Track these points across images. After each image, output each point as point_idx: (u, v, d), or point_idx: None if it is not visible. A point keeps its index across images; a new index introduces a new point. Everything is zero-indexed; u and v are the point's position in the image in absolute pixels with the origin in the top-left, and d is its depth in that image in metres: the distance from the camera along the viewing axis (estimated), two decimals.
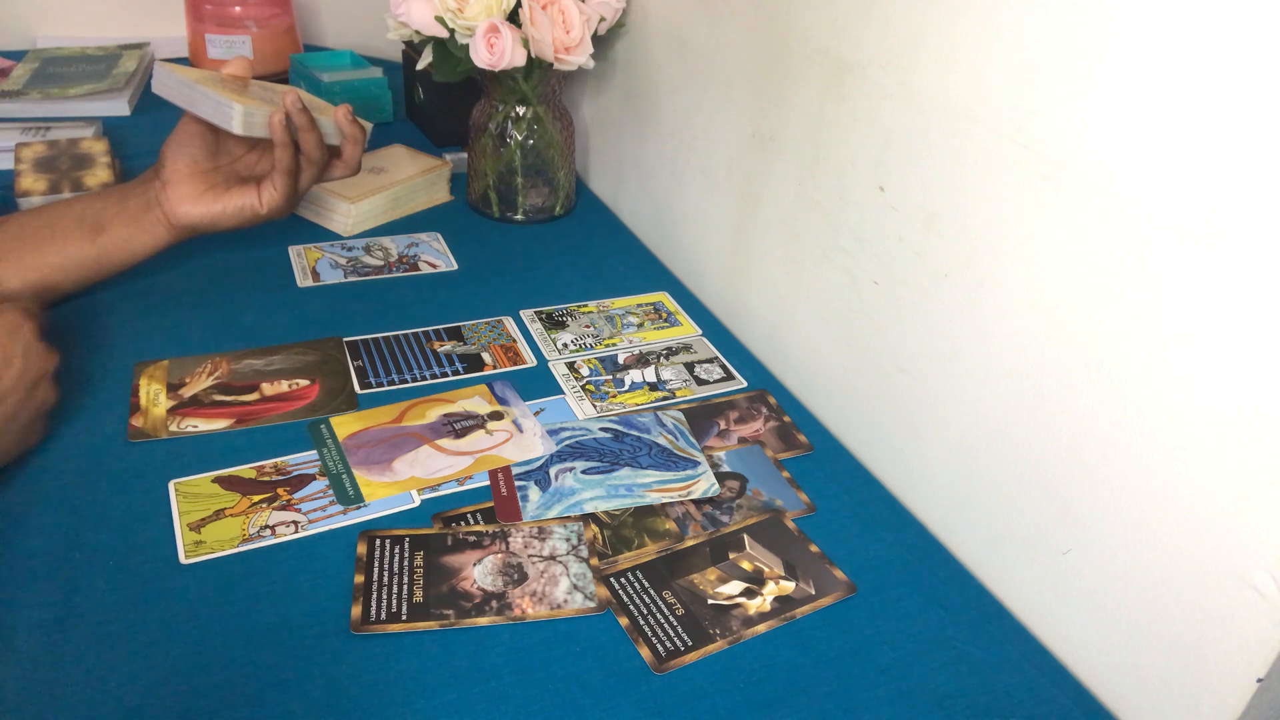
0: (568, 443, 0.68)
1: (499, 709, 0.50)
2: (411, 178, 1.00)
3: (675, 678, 0.52)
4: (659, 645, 0.54)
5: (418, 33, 0.88)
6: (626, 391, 0.75)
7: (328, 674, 0.51)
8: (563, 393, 0.74)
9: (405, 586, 0.56)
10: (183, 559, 0.57)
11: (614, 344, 0.81)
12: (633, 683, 0.52)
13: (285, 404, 0.70)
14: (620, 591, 0.57)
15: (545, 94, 0.95)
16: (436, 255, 0.92)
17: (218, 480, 0.62)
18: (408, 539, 0.59)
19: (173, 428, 0.66)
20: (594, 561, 0.59)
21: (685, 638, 0.54)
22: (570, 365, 0.78)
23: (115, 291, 0.80)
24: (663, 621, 0.55)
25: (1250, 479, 0.45)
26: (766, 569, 0.59)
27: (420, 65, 0.93)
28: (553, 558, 0.59)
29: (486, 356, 0.78)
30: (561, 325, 0.83)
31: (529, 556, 0.59)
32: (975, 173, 0.57)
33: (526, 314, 0.84)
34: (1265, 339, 0.43)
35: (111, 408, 0.68)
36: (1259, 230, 0.43)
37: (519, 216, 1.00)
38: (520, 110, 0.94)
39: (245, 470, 0.63)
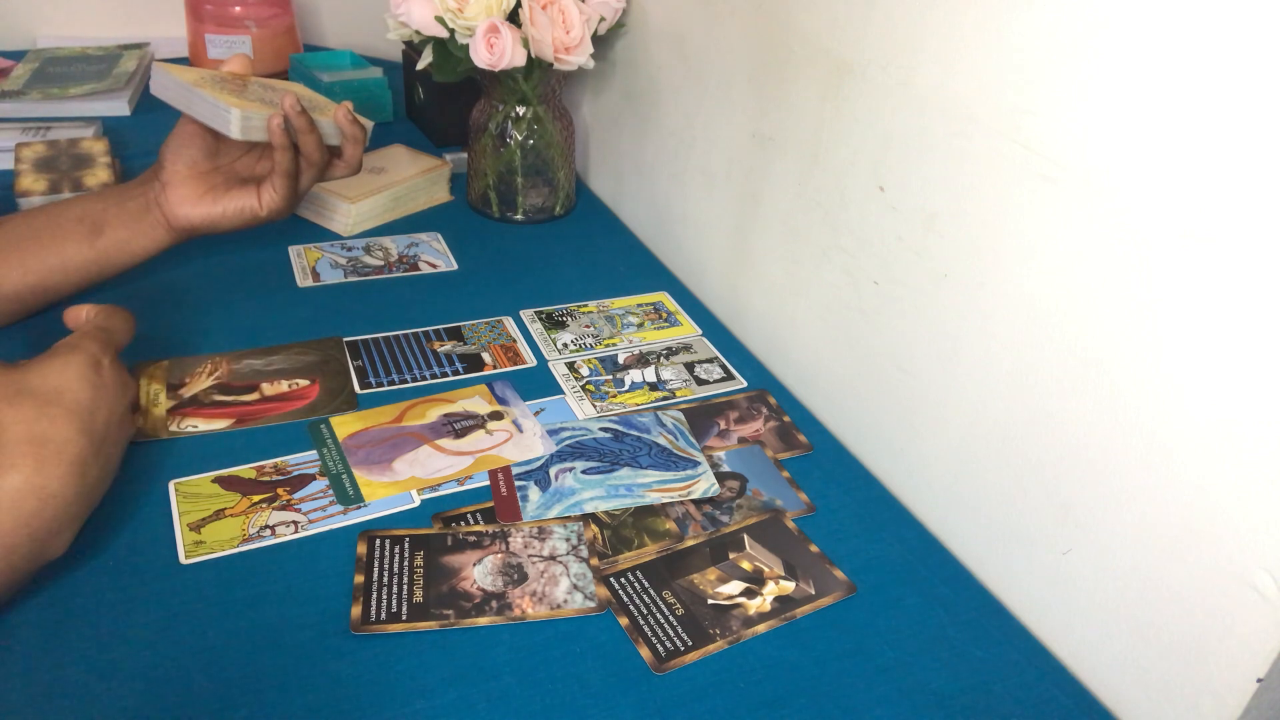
0: (568, 443, 0.68)
1: (499, 709, 0.50)
2: (411, 178, 1.00)
3: (675, 678, 0.52)
4: (659, 645, 0.54)
5: (418, 33, 0.88)
6: (626, 391, 0.75)
7: (328, 674, 0.51)
8: (563, 393, 0.74)
9: (405, 586, 0.56)
10: (183, 559, 0.57)
11: (614, 344, 0.81)
12: (633, 683, 0.52)
13: (285, 404, 0.70)
14: (620, 591, 0.57)
15: (545, 94, 0.95)
16: (436, 255, 0.92)
17: (218, 480, 0.62)
18: (408, 539, 0.59)
19: (173, 428, 0.66)
20: (594, 561, 0.59)
21: (685, 638, 0.54)
22: (570, 365, 0.77)
23: (115, 292, 0.80)
24: (663, 621, 0.55)
25: (1250, 479, 0.45)
26: (766, 569, 0.59)
27: (420, 65, 0.93)
28: (553, 558, 0.59)
29: (486, 356, 0.78)
30: (561, 325, 0.83)
31: (529, 556, 0.59)
32: (975, 173, 0.57)
33: (526, 314, 0.84)
34: (1265, 339, 0.43)
35: None
36: (1258, 230, 0.43)
37: (519, 216, 1.00)
38: (520, 110, 0.94)
39: (245, 470, 0.63)
